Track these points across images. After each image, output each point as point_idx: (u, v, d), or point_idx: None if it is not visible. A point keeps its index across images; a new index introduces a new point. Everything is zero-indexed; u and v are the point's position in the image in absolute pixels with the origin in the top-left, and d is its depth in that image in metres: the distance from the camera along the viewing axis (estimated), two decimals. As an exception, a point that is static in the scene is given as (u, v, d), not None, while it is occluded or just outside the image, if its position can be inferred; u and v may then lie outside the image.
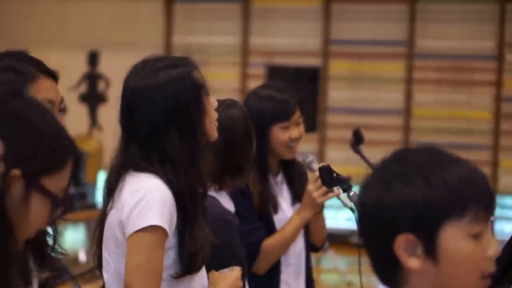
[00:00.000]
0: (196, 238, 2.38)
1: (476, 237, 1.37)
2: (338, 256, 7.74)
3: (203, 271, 2.51)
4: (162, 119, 2.37)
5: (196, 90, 2.41)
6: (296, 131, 3.29)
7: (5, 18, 10.95)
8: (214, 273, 2.55)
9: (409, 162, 1.39)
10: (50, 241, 2.13)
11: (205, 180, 2.43)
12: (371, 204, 1.38)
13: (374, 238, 1.39)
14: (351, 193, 3.04)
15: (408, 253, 1.35)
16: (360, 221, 1.42)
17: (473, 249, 1.36)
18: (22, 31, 10.75)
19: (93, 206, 7.99)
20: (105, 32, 10.61)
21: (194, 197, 2.38)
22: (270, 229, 3.24)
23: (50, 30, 10.87)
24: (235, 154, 2.91)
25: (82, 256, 8.11)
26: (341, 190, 3.13)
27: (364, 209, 1.40)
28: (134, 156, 2.39)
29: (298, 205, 3.32)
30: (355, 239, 8.31)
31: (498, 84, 9.43)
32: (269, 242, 3.20)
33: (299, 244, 3.35)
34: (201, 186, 2.42)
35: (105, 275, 2.46)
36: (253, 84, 10.14)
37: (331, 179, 3.12)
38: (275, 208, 3.27)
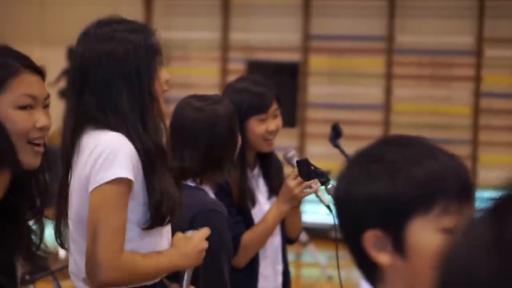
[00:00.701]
0: (156, 189, 2.38)
1: (449, 231, 1.33)
2: (318, 250, 7.76)
3: (169, 233, 2.51)
4: (114, 76, 2.41)
5: (149, 54, 2.47)
6: (273, 123, 3.29)
7: (-17, 14, 10.89)
8: (178, 235, 2.53)
9: (377, 156, 1.38)
10: (35, 239, 2.13)
11: (156, 140, 2.44)
12: (340, 198, 1.38)
13: (347, 233, 1.38)
14: (329, 186, 3.07)
15: (377, 248, 1.34)
16: (336, 215, 1.41)
17: (442, 243, 1.32)
18: (1, 28, 10.69)
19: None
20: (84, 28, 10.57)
21: (148, 151, 2.38)
22: (248, 222, 3.26)
23: (29, 26, 10.81)
24: (217, 150, 2.92)
25: (62, 252, 8.08)
26: (319, 184, 3.16)
27: (335, 203, 1.40)
28: (90, 110, 2.40)
29: (274, 199, 3.33)
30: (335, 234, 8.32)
31: (477, 79, 9.48)
32: (248, 236, 3.21)
33: (276, 237, 3.37)
34: (153, 141, 2.42)
35: (72, 249, 2.44)
36: (233, 79, 10.12)
37: (309, 172, 3.14)
38: (253, 201, 3.28)
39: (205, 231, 2.56)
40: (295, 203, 3.26)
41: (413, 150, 1.38)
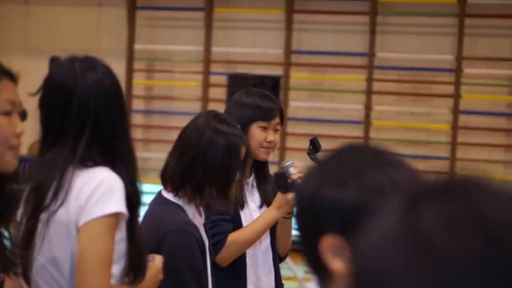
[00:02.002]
0: (140, 236, 2.37)
1: None
2: (296, 263, 7.80)
3: None
4: (119, 120, 2.38)
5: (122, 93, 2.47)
6: (273, 136, 3.39)
7: (-34, 22, 10.89)
8: None
9: (347, 161, 1.38)
10: (7, 243, 2.15)
11: (138, 179, 2.43)
12: (305, 199, 1.37)
13: (305, 234, 1.37)
14: None
15: (333, 253, 1.32)
16: (296, 215, 1.41)
17: None
18: (-16, 36, 10.71)
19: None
20: (67, 39, 10.60)
21: (137, 193, 2.37)
22: (237, 224, 3.31)
23: (12, 36, 10.82)
24: (200, 172, 2.93)
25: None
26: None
27: (299, 204, 1.39)
28: (94, 155, 2.35)
29: (265, 208, 3.40)
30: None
31: (456, 96, 9.57)
32: (235, 235, 3.26)
33: (264, 241, 3.42)
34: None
35: (42, 284, 2.35)
36: (215, 92, 10.21)
37: (286, 185, 3.20)
38: (242, 204, 3.34)
39: (160, 260, 2.54)
40: (289, 209, 3.32)
41: (379, 159, 1.38)
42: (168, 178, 2.97)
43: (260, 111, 3.37)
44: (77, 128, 2.36)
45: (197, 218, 3.00)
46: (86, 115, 2.36)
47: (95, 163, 2.34)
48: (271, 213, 3.31)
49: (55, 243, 2.34)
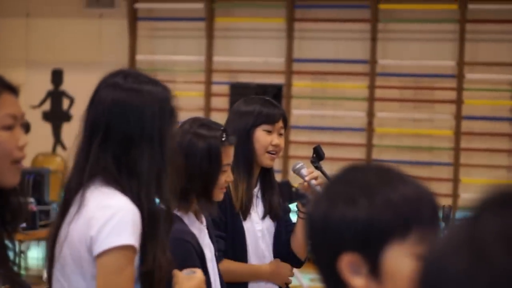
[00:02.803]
0: (149, 259, 2.34)
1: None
2: (301, 272, 7.79)
3: None
4: (138, 134, 2.35)
5: (172, 114, 2.43)
6: (278, 139, 3.38)
7: (-32, 36, 10.91)
8: (178, 273, 2.52)
9: (355, 181, 1.40)
10: (11, 256, 2.15)
11: (168, 199, 2.40)
12: (318, 221, 1.39)
13: (321, 255, 1.39)
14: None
15: (352, 271, 1.35)
16: (308, 236, 1.42)
17: (416, 269, 1.35)
18: (-15, 49, 10.72)
19: (56, 224, 7.94)
20: (69, 51, 10.62)
21: (154, 215, 2.35)
22: (240, 236, 3.30)
23: (14, 49, 10.84)
24: (182, 179, 2.90)
25: (46, 275, 8.05)
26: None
27: (312, 225, 1.41)
28: (107, 165, 2.34)
29: (267, 219, 3.39)
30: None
31: (458, 102, 9.57)
32: (226, 265, 3.25)
33: (268, 260, 3.42)
34: (165, 205, 2.39)
35: None
36: (217, 102, 10.22)
37: (290, 194, 3.20)
38: (245, 215, 3.33)
39: (201, 272, 2.57)
40: (280, 282, 3.39)
41: (386, 176, 1.41)
42: None
43: (263, 115, 3.36)
44: (89, 131, 2.38)
45: (196, 224, 2.97)
46: (98, 121, 2.37)
47: (108, 173, 2.33)
48: (264, 274, 3.35)
49: (66, 263, 2.35)
